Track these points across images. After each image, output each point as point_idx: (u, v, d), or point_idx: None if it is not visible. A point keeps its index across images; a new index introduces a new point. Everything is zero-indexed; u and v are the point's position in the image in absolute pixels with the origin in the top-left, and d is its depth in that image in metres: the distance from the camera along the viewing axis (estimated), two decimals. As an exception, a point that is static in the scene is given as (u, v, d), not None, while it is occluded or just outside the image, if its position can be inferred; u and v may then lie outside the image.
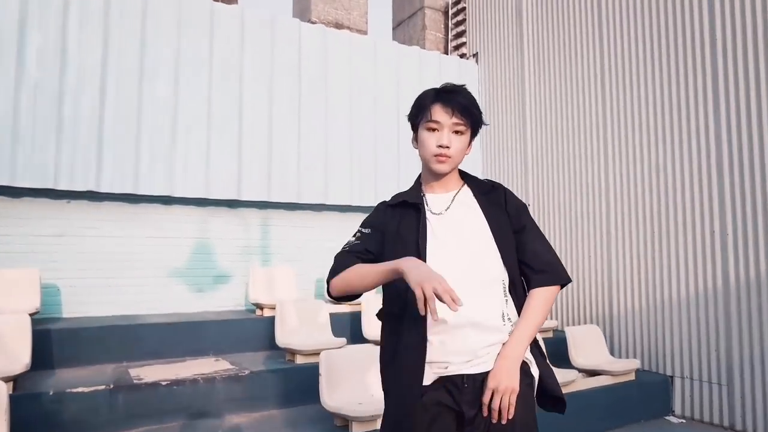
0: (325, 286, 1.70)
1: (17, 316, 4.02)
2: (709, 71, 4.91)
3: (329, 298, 1.74)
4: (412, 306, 1.51)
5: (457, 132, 1.64)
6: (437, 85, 6.39)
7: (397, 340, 1.63)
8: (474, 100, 1.68)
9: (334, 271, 1.64)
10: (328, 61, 6.56)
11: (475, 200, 1.73)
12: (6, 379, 3.55)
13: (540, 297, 1.69)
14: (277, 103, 6.24)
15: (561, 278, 1.69)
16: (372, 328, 5.11)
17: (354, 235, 1.75)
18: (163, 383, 3.94)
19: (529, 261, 1.70)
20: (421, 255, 1.58)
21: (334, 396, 3.73)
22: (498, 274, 1.63)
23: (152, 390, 3.90)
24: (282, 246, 6.39)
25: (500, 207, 1.72)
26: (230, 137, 5.94)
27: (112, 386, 3.79)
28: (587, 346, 5.23)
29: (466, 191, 1.76)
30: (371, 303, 5.28)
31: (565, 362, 5.05)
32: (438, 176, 1.71)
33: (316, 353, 4.34)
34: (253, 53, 6.14)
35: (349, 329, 5.42)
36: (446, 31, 8.39)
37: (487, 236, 1.66)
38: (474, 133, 1.71)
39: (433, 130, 1.64)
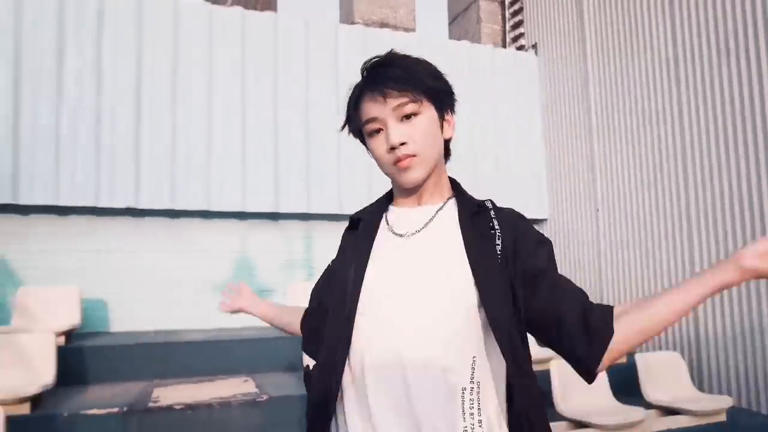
0: None
1: (42, 335, 4.07)
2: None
3: None
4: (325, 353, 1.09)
5: (407, 117, 1.07)
6: (492, 82, 5.65)
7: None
8: (417, 62, 1.10)
9: None
10: (369, 64, 6.26)
11: (458, 224, 1.12)
12: (23, 399, 3.57)
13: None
14: (314, 111, 6.03)
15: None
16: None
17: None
18: (177, 407, 3.80)
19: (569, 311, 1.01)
20: (350, 295, 1.06)
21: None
22: (463, 343, 1.00)
23: (166, 414, 3.78)
24: (326, 259, 6.15)
25: (487, 239, 1.08)
26: (266, 148, 5.81)
27: (125, 409, 3.71)
28: (664, 378, 4.47)
29: (452, 208, 1.16)
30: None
31: (634, 396, 4.33)
32: (411, 189, 1.14)
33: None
34: (288, 61, 5.98)
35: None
36: (503, 22, 7.81)
37: (462, 279, 1.03)
38: (440, 106, 1.12)
39: (378, 131, 1.10)
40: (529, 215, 6.50)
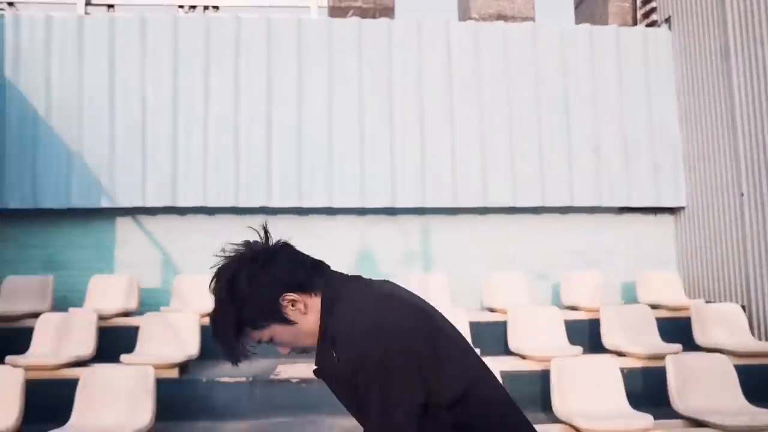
0: None
1: (190, 314, 4.80)
2: None
3: None
4: None
5: (261, 341, 1.26)
6: (615, 65, 6.57)
7: None
8: (218, 327, 1.24)
9: None
10: (481, 57, 6.28)
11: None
12: (173, 365, 4.27)
13: None
14: (428, 107, 6.21)
15: None
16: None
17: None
18: (293, 380, 4.25)
19: None
20: None
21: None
22: None
23: (284, 385, 4.24)
24: (442, 251, 6.29)
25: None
26: (383, 146, 6.11)
27: (251, 379, 4.25)
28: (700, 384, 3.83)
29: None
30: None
31: None
32: None
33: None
34: (402, 61, 6.23)
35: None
36: (633, -3, 7.28)
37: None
38: (271, 320, 1.24)
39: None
40: (663, 204, 5.90)
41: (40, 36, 5.96)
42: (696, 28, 6.09)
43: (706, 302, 5.41)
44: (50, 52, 5.98)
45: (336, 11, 6.98)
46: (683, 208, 6.23)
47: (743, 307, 5.12)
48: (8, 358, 4.14)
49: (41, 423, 3.52)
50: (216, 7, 6.86)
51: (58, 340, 4.58)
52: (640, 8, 7.13)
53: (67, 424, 3.47)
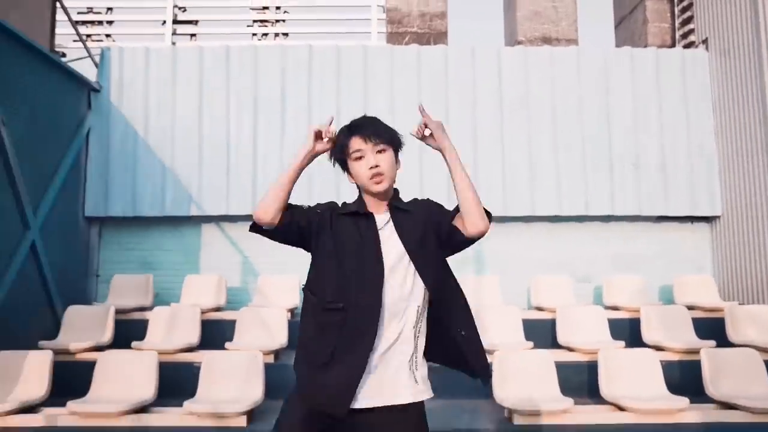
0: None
1: (277, 309, 5.53)
2: None
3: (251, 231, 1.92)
4: (355, 304, 1.75)
5: (380, 152, 1.85)
6: (654, 85, 7.32)
7: (337, 343, 1.74)
8: (386, 126, 1.90)
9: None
10: (529, 79, 6.86)
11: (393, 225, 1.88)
12: (267, 352, 4.99)
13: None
14: (480, 129, 6.79)
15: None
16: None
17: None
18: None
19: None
20: (376, 265, 1.80)
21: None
22: (415, 298, 1.83)
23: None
24: (496, 256, 6.87)
25: (420, 224, 1.87)
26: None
27: (335, 365, 4.92)
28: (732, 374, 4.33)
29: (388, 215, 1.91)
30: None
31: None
32: (378, 196, 1.87)
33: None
34: (457, 86, 6.85)
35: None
36: (672, 20, 7.75)
37: (406, 260, 1.83)
38: (396, 150, 1.90)
39: (360, 158, 1.84)
40: (699, 213, 6.26)
41: (140, 65, 6.83)
42: (732, 48, 6.56)
43: (740, 304, 5.89)
44: (148, 78, 6.83)
45: (393, 37, 7.66)
46: (719, 216, 6.71)
47: (774, 309, 5.58)
48: (134, 344, 4.96)
49: (169, 397, 4.27)
50: (286, 34, 7.62)
51: (168, 330, 5.37)
52: (679, 29, 7.60)
53: (194, 397, 4.21)
